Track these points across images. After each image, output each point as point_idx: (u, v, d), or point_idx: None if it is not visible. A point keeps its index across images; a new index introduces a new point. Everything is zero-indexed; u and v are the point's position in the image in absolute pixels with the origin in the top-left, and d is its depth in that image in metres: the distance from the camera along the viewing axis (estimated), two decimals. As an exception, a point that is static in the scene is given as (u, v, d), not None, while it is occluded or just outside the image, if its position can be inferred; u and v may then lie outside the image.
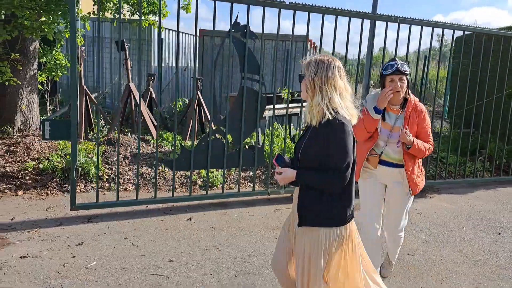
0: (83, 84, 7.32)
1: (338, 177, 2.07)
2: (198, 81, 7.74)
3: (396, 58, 3.03)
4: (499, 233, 4.67)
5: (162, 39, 9.81)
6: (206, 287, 3.24)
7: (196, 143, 4.95)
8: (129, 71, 7.55)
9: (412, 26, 5.62)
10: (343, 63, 2.32)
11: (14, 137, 6.49)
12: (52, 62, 6.89)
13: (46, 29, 6.09)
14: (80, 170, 5.51)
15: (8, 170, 5.52)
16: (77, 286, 3.17)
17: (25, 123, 6.75)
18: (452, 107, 6.68)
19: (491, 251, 4.19)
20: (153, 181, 5.50)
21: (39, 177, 5.48)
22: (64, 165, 5.56)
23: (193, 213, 4.79)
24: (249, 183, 5.89)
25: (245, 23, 4.84)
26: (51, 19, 6.20)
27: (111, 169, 5.77)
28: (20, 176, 5.44)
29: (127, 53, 7.48)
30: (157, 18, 7.86)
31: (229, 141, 5.57)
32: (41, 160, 5.73)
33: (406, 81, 2.99)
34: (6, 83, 6.20)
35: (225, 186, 5.48)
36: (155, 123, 7.51)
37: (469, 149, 6.63)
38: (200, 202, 5.08)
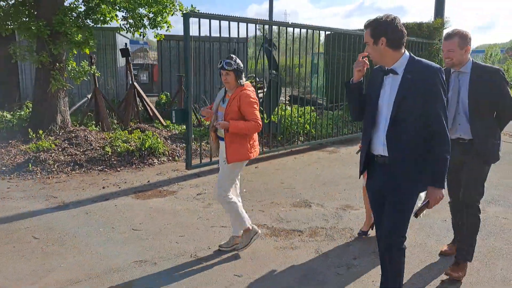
0: (97, 86, 8.71)
1: None
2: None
3: (232, 56, 3.72)
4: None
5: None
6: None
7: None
8: (132, 73, 9.15)
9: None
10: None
11: (61, 133, 7.68)
12: (77, 69, 8.06)
13: (91, 43, 7.52)
14: (149, 149, 7.30)
15: (95, 156, 6.97)
16: (251, 191, 5.51)
17: (63, 121, 7.91)
18: (327, 88, 9.98)
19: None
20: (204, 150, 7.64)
21: (119, 158, 7.08)
22: (135, 148, 7.26)
23: (288, 157, 7.34)
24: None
25: (270, 38, 7.43)
26: (91, 34, 7.59)
27: (167, 146, 7.67)
28: (105, 159, 6.97)
29: (130, 58, 9.07)
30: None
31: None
32: (113, 146, 7.27)
33: (230, 75, 3.62)
34: (56, 87, 7.39)
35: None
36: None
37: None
38: (280, 152, 7.79)
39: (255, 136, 3.82)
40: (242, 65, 3.74)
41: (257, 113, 3.68)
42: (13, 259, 3.74)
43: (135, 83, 9.09)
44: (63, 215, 4.80)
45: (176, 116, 6.21)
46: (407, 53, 2.55)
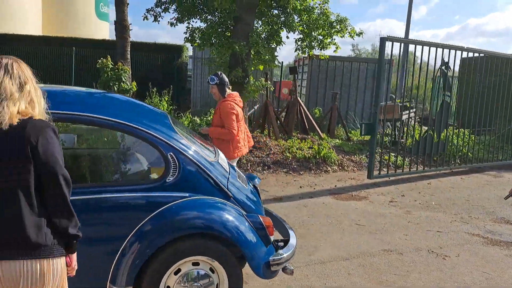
0: (268, 99, 9.72)
1: None
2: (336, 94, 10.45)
3: (218, 72, 4.57)
4: None
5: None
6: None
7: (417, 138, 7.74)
8: (297, 89, 10.03)
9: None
10: None
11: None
12: (256, 83, 9.06)
13: (276, 60, 8.50)
14: (322, 158, 8.00)
15: (278, 159, 7.85)
16: (440, 205, 5.83)
17: (243, 128, 8.97)
18: (459, 113, 9.42)
19: None
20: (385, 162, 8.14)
21: (298, 163, 7.87)
22: (311, 155, 8.00)
23: (452, 177, 7.58)
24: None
25: (447, 61, 7.76)
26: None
27: (342, 156, 8.31)
28: (287, 163, 7.79)
29: (296, 75, 9.98)
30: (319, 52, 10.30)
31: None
32: (293, 153, 8.10)
33: (214, 88, 4.45)
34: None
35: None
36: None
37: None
38: (442, 172, 7.98)
39: (241, 140, 4.50)
40: (226, 80, 4.50)
41: (232, 122, 4.31)
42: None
43: (298, 98, 9.96)
44: (286, 206, 5.60)
45: (364, 128, 6.81)
46: None
